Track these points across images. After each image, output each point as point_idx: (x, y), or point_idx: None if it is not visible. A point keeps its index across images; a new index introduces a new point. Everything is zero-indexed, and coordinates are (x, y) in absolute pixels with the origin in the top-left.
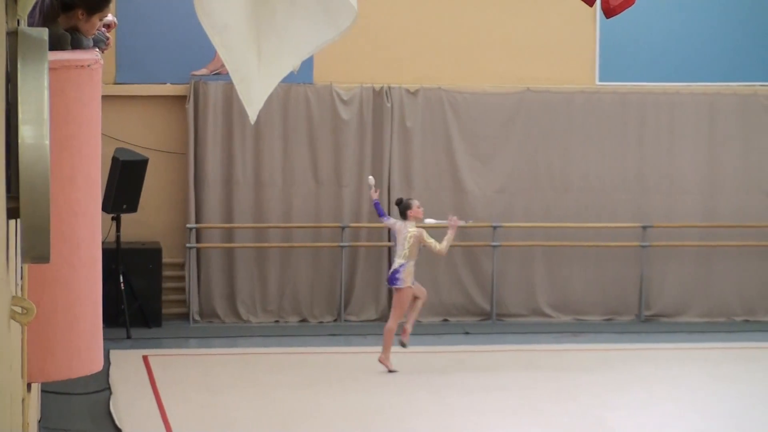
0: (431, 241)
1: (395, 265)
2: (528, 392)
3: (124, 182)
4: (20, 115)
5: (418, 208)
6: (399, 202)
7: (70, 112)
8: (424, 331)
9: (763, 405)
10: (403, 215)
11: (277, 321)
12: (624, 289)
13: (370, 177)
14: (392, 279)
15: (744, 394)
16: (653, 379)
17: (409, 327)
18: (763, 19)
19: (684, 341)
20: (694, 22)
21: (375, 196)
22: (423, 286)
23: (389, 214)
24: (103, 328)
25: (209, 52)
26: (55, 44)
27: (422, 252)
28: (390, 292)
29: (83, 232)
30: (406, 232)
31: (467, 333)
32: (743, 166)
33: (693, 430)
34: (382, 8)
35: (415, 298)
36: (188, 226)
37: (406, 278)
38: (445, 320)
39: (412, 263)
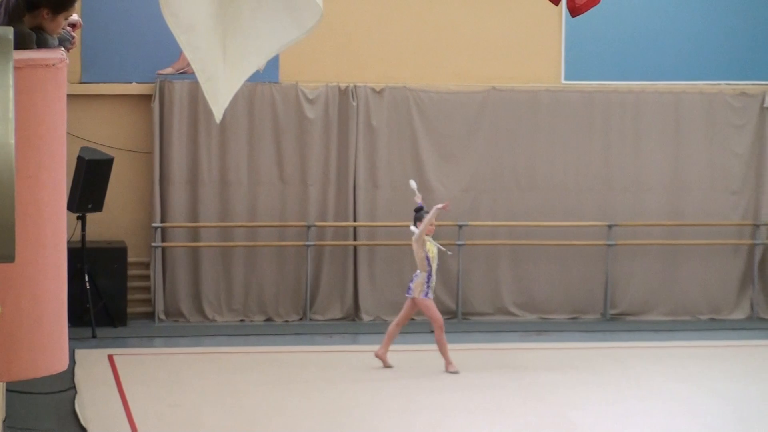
0: (417, 231)
1: (415, 275)
2: (493, 391)
3: (90, 181)
4: None
5: (431, 225)
6: (419, 209)
7: (35, 111)
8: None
9: (727, 403)
10: (415, 224)
11: (242, 320)
12: (589, 288)
13: (412, 181)
14: (408, 287)
15: (709, 393)
16: (618, 377)
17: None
18: (729, 18)
19: (649, 340)
20: (660, 20)
21: (419, 200)
22: (389, 286)
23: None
24: (69, 327)
25: (175, 52)
26: (20, 43)
27: (388, 251)
28: (357, 293)
29: (48, 231)
30: (413, 242)
31: (433, 332)
32: (709, 165)
33: (658, 429)
34: (347, 7)
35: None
36: (153, 225)
37: (416, 289)
38: (411, 319)
39: (424, 275)
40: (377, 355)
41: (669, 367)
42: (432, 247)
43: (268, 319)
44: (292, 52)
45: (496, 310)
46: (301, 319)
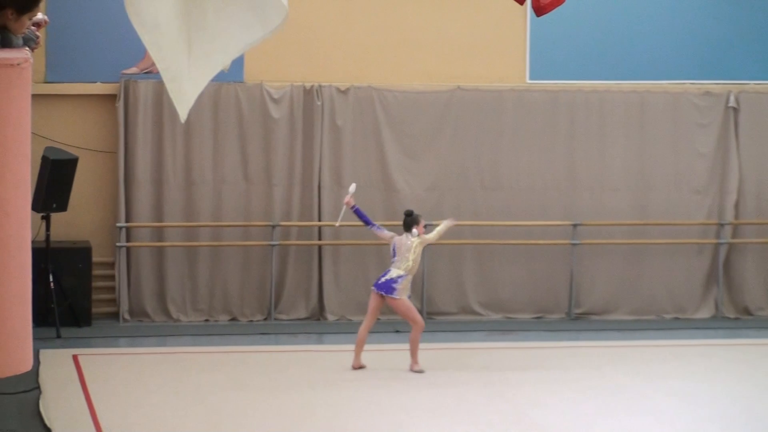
0: (431, 237)
1: (392, 275)
2: (458, 390)
3: (54, 181)
4: None
5: (423, 227)
6: (409, 214)
7: None
8: (355, 330)
9: (692, 402)
10: (408, 228)
11: (207, 320)
12: (554, 287)
13: (353, 185)
14: (388, 288)
15: (674, 392)
16: (583, 376)
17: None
18: (693, 17)
19: (614, 339)
20: (624, 20)
21: (351, 202)
22: (354, 285)
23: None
24: (33, 327)
25: (139, 51)
26: None
27: (353, 250)
28: (322, 292)
29: (12, 231)
30: (410, 244)
31: (398, 331)
32: (673, 164)
33: (622, 428)
34: (312, 7)
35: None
36: (118, 225)
37: (402, 290)
38: (377, 319)
39: (410, 277)
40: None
41: (633, 367)
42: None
43: (233, 319)
44: (257, 51)
45: (461, 310)
46: (265, 318)
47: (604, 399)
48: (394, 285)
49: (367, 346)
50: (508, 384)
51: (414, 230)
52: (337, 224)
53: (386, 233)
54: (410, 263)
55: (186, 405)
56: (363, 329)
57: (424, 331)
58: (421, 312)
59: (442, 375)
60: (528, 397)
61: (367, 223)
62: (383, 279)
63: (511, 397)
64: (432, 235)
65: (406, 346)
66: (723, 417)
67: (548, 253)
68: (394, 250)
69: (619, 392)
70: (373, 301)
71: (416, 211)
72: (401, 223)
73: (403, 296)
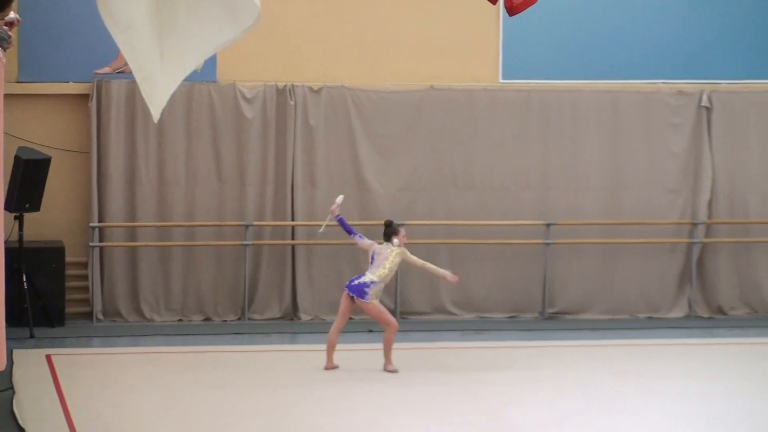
0: (413, 258)
1: (365, 279)
2: (431, 389)
3: (27, 181)
4: None
5: (404, 236)
6: (389, 224)
7: None
8: (328, 330)
9: (666, 401)
10: (388, 237)
11: (180, 320)
12: (527, 287)
13: (341, 196)
14: (360, 291)
15: (648, 391)
16: (557, 376)
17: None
18: (666, 16)
19: (587, 338)
20: (597, 20)
21: (337, 212)
22: (328, 285)
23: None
24: (6, 327)
25: (112, 51)
26: None
27: (326, 250)
28: (295, 292)
29: None
30: (388, 252)
31: (371, 331)
32: (646, 164)
33: (596, 427)
34: (285, 7)
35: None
36: (91, 225)
37: (373, 296)
38: (350, 318)
39: (382, 285)
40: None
41: (607, 366)
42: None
43: (207, 319)
44: (230, 51)
45: (435, 310)
46: (239, 318)
47: (579, 398)
48: (366, 289)
49: (340, 346)
50: (483, 383)
51: (395, 240)
52: (320, 230)
53: (366, 241)
54: (386, 271)
55: (160, 405)
56: (333, 330)
57: (399, 331)
58: (394, 312)
59: (416, 375)
60: (503, 396)
61: (349, 232)
62: (356, 282)
63: (486, 396)
64: (414, 259)
65: (380, 345)
66: (697, 416)
67: (522, 253)
68: (372, 256)
69: (593, 391)
70: (344, 303)
71: (394, 214)
72: (376, 223)
73: (374, 300)
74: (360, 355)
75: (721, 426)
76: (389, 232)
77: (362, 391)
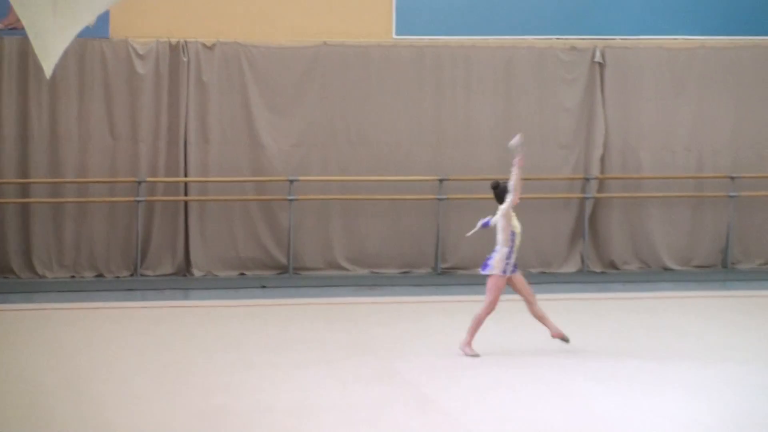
0: (508, 211)
1: (495, 253)
2: (325, 345)
3: None
4: None
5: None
6: (496, 186)
7: None
8: (221, 285)
9: (556, 355)
10: (500, 200)
11: (73, 276)
12: (421, 242)
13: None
14: (483, 265)
15: (539, 345)
16: (449, 331)
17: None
18: None
19: (479, 294)
20: None
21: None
22: (220, 241)
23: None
24: None
25: (4, 7)
26: None
27: (219, 206)
28: (188, 248)
29: None
30: (497, 217)
31: (264, 287)
32: (539, 119)
33: (486, 381)
34: None
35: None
36: None
37: (495, 266)
38: (242, 274)
39: (505, 250)
40: (464, 348)
41: (498, 321)
42: (517, 223)
43: (99, 275)
44: (123, 7)
45: (328, 265)
46: (132, 274)
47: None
48: (488, 261)
49: (235, 301)
50: (375, 338)
51: (506, 202)
52: (469, 234)
53: (493, 220)
54: (500, 236)
55: (51, 362)
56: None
57: (291, 286)
58: (286, 267)
59: (309, 329)
60: (394, 352)
61: (486, 225)
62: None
63: (378, 351)
64: (507, 202)
65: (272, 301)
66: (590, 370)
67: (415, 209)
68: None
69: (486, 346)
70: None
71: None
72: (268, 179)
73: (497, 272)
74: (252, 310)
75: (612, 379)
76: (501, 193)
77: (255, 349)
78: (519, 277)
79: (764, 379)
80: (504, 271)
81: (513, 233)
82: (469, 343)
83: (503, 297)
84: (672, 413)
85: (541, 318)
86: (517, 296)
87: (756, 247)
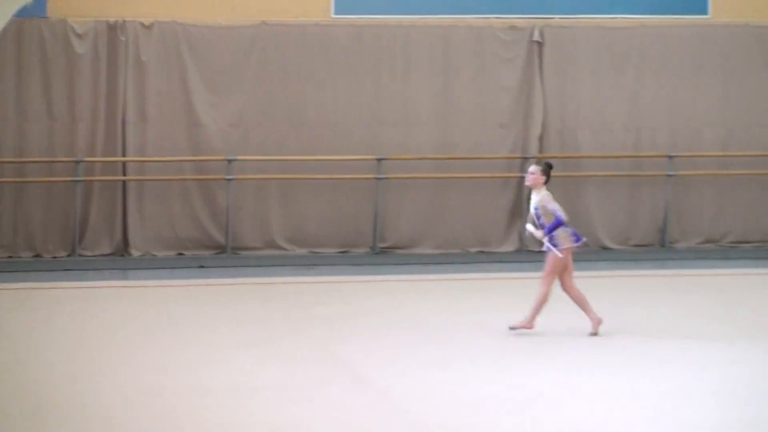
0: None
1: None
2: (263, 325)
3: None
4: None
5: (532, 174)
6: (550, 167)
7: None
8: (159, 265)
9: (495, 335)
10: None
11: (10, 256)
12: (359, 222)
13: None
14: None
15: (478, 324)
16: (388, 310)
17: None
18: None
19: (419, 273)
20: None
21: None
22: (159, 221)
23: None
24: None
25: None
26: None
27: (158, 186)
28: (126, 228)
29: None
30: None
31: (202, 267)
32: (478, 99)
33: (426, 360)
34: None
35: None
36: None
37: (564, 240)
38: (180, 254)
39: (568, 228)
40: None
41: (438, 300)
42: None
43: (37, 255)
44: None
45: (266, 245)
46: (69, 255)
47: (409, 332)
48: (549, 242)
49: (174, 282)
50: (313, 318)
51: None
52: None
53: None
54: (547, 218)
55: None
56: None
57: (229, 266)
58: (225, 247)
59: (247, 309)
60: (332, 332)
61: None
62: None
63: (315, 331)
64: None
65: (211, 281)
66: (527, 349)
67: (353, 188)
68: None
69: (422, 325)
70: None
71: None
72: (206, 158)
73: (568, 245)
74: (190, 290)
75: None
76: (550, 172)
77: (194, 327)
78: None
79: (699, 355)
80: (577, 241)
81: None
82: (528, 319)
83: (439, 276)
84: (603, 389)
85: (578, 300)
86: (459, 275)
87: (693, 226)
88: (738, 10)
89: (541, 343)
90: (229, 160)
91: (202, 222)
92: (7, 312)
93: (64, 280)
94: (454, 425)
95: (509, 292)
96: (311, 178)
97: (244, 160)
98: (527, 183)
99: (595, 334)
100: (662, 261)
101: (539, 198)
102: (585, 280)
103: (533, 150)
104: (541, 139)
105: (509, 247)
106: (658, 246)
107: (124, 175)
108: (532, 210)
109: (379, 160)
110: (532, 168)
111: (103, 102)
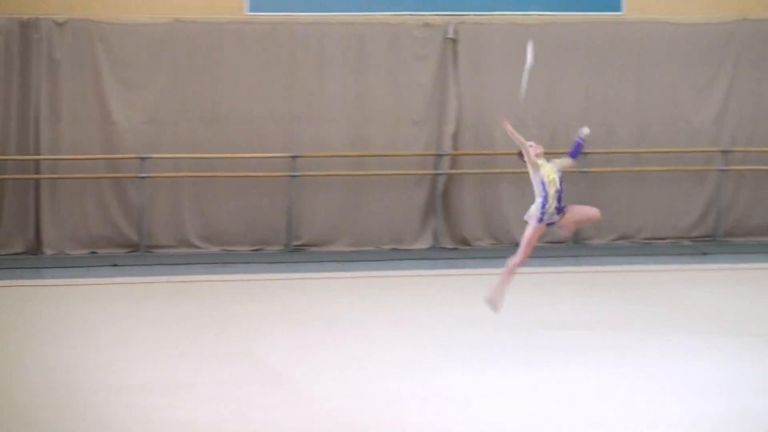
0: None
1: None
2: (178, 323)
3: None
4: None
5: (534, 148)
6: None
7: None
8: (72, 264)
9: (409, 330)
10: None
11: None
12: (273, 219)
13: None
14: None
15: (393, 321)
16: (302, 308)
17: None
18: None
19: (333, 270)
20: None
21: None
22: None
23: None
24: None
25: None
26: None
27: (71, 184)
28: (39, 227)
29: None
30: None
31: (115, 265)
32: (392, 96)
33: (341, 357)
34: None
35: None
36: None
37: (532, 214)
38: (93, 252)
39: (538, 201)
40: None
41: (352, 297)
42: (550, 171)
43: None
44: None
45: (179, 243)
46: None
47: (324, 330)
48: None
49: (87, 281)
50: (228, 316)
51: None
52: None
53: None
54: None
55: None
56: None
57: (142, 265)
58: (138, 245)
59: (161, 308)
60: (247, 330)
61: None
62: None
63: (231, 329)
64: (521, 147)
65: (124, 279)
66: (443, 345)
67: (267, 186)
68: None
69: (337, 323)
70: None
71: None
72: (120, 157)
73: (531, 221)
74: (103, 288)
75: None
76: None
77: (104, 326)
78: (568, 216)
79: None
80: (540, 220)
81: (543, 182)
82: (497, 292)
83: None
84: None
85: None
86: (374, 272)
87: (607, 223)
88: (652, 7)
89: (458, 339)
90: (143, 158)
91: (115, 220)
92: None
93: None
94: (371, 423)
95: (423, 289)
96: (225, 176)
97: (158, 158)
98: (537, 152)
99: (489, 302)
100: (576, 257)
101: (559, 162)
102: (498, 277)
103: (447, 147)
104: (455, 136)
105: (423, 244)
106: (572, 242)
107: (37, 173)
108: (557, 175)
109: (293, 157)
110: (531, 142)
111: (16, 100)
